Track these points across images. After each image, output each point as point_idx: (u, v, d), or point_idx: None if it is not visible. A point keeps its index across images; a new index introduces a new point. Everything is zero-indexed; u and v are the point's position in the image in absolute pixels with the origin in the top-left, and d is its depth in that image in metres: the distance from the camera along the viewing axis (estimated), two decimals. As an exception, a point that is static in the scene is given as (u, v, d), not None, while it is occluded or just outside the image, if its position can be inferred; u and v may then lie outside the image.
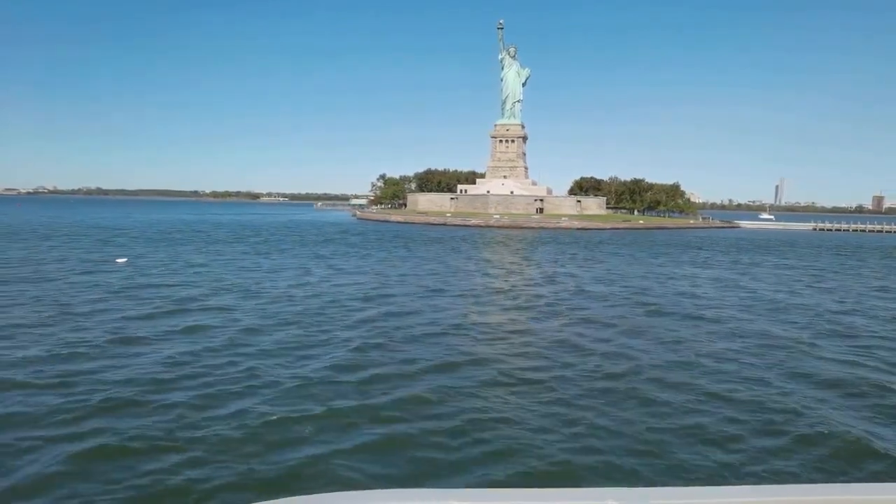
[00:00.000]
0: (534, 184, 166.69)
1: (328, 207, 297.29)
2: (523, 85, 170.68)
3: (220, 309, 25.78)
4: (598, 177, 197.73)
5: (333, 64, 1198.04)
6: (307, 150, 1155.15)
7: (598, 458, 11.49)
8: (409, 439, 12.21)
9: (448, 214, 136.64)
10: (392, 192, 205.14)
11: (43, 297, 27.25)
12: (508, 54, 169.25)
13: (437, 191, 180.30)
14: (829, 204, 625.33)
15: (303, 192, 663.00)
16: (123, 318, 23.30)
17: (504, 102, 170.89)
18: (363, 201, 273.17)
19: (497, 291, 33.74)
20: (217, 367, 16.91)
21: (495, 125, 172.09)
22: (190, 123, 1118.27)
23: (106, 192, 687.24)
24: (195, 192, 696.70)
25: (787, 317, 27.52)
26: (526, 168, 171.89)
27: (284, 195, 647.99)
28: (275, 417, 13.05)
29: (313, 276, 38.24)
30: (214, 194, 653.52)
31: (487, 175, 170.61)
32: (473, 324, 24.16)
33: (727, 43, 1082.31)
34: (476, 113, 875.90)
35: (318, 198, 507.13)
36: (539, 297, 32.00)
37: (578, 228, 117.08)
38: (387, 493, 1.67)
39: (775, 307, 30.18)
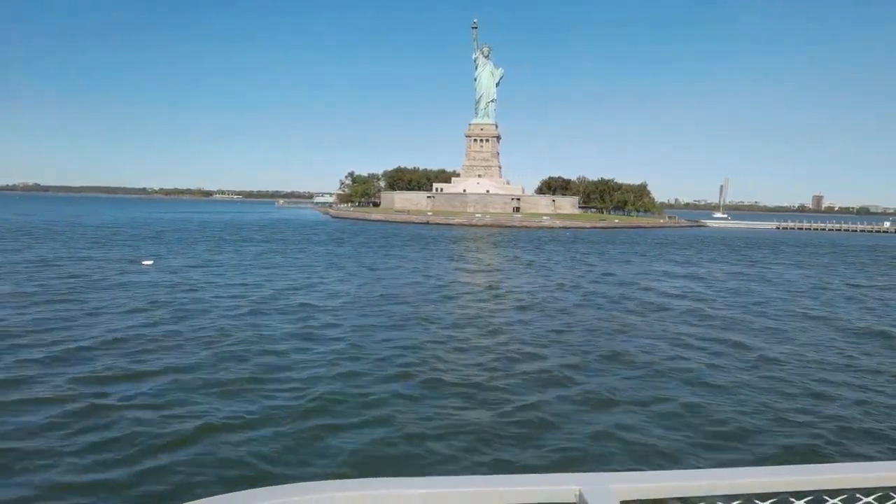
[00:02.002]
0: (507, 183, 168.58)
1: (291, 205, 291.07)
2: (497, 85, 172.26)
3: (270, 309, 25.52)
4: (566, 176, 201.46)
5: (289, 62, 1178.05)
6: (259, 147, 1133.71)
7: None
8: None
9: (429, 213, 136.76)
10: (363, 190, 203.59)
11: (121, 300, 26.25)
12: (482, 54, 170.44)
13: (407, 189, 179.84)
14: (770, 203, 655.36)
15: (255, 189, 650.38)
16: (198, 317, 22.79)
17: (478, 102, 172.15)
18: (329, 199, 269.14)
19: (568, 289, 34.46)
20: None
21: (470, 125, 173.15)
22: (135, 118, 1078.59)
23: (46, 189, 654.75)
24: (143, 190, 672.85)
25: None
26: (500, 167, 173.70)
27: (237, 192, 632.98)
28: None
29: (387, 277, 38.19)
30: (165, 191, 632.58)
31: (462, 174, 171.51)
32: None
33: (677, 39, 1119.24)
34: (443, 111, 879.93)
35: (272, 195, 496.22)
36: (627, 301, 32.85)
37: (560, 227, 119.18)
38: (348, 482, 1.62)
39: None
